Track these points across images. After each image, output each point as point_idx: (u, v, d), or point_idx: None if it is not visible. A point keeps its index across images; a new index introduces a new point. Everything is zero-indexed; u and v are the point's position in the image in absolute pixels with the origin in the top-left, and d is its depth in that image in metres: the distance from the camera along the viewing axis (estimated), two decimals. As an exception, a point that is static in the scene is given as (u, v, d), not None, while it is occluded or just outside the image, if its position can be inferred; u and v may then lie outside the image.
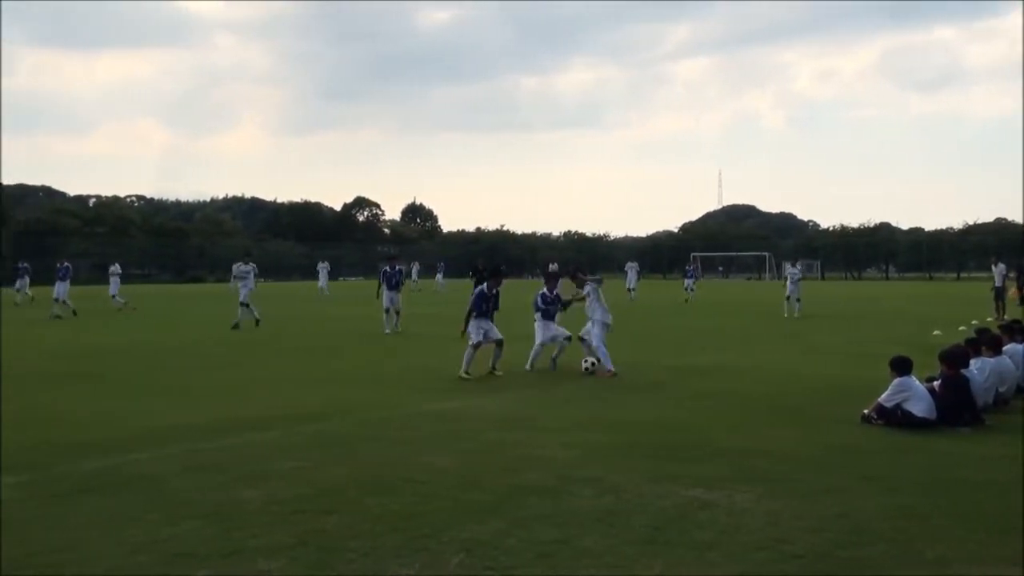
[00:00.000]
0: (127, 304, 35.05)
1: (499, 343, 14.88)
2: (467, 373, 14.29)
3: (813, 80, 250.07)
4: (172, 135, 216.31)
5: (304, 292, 50.49)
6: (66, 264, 33.00)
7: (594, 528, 6.15)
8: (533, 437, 9.48)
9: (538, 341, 15.36)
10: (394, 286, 23.77)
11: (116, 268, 37.31)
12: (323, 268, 50.04)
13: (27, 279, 39.80)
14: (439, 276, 59.07)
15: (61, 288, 31.50)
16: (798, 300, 29.46)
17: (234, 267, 27.45)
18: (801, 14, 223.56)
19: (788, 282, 29.96)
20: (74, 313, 30.72)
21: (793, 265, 31.41)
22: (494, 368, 14.76)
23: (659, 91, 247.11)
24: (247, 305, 25.28)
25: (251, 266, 27.36)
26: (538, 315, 15.53)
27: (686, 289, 43.07)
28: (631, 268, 45.36)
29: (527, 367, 15.12)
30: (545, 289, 15.82)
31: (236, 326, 24.60)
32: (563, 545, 5.79)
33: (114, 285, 36.64)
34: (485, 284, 15.45)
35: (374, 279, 24.78)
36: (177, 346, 20.76)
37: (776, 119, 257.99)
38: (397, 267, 25.03)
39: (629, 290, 42.70)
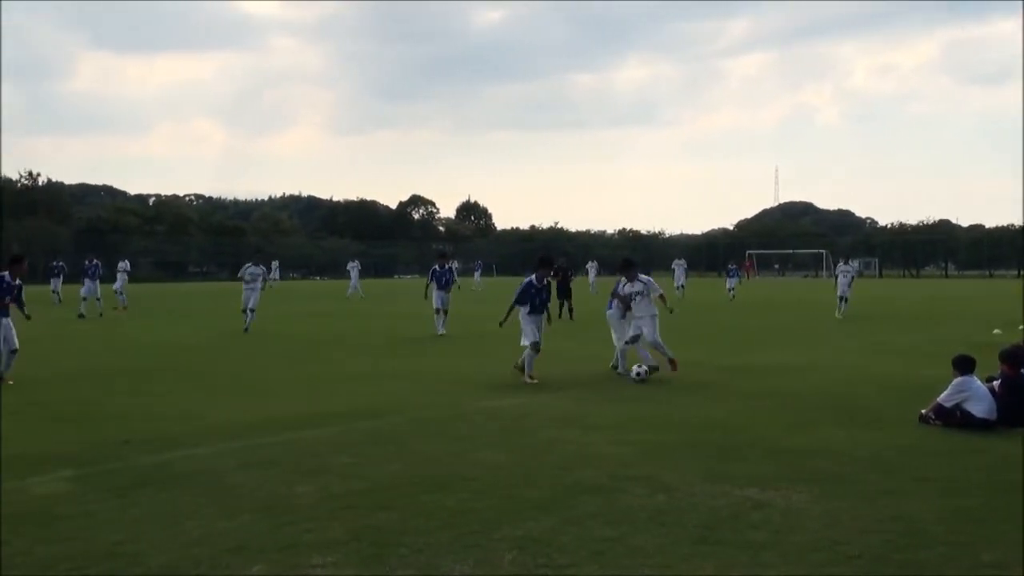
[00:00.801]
0: (123, 305, 33.40)
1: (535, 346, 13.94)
2: (531, 377, 13.66)
3: (871, 75, 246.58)
4: (229, 135, 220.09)
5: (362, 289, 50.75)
6: (95, 262, 31.77)
7: (647, 527, 6.14)
8: (586, 435, 9.47)
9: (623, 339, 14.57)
10: (444, 285, 22.91)
11: (125, 265, 36.08)
12: (353, 267, 47.77)
13: (61, 278, 39.70)
14: (477, 274, 59.16)
15: (91, 286, 30.59)
16: (846, 300, 28.74)
17: (246, 270, 24.69)
18: (858, 8, 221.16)
19: (839, 281, 29.35)
20: (80, 316, 28.85)
21: (845, 263, 30.91)
22: (520, 367, 14.00)
23: (714, 87, 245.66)
24: (253, 311, 23.83)
25: (261, 268, 25.06)
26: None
27: (730, 289, 42.32)
28: (678, 266, 45.16)
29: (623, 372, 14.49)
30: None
31: (247, 331, 23.32)
32: (616, 543, 5.79)
33: (120, 281, 35.26)
34: (534, 275, 14.27)
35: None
36: (227, 343, 21.02)
37: (833, 115, 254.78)
38: (448, 266, 24.05)
39: (677, 288, 42.45)
